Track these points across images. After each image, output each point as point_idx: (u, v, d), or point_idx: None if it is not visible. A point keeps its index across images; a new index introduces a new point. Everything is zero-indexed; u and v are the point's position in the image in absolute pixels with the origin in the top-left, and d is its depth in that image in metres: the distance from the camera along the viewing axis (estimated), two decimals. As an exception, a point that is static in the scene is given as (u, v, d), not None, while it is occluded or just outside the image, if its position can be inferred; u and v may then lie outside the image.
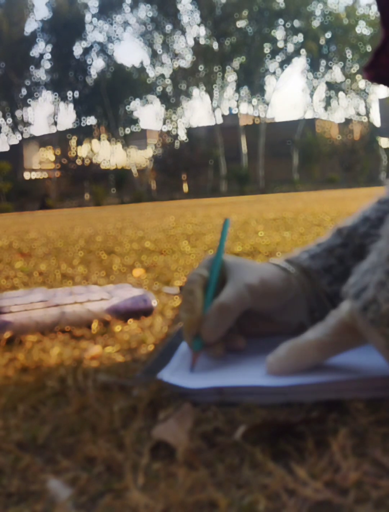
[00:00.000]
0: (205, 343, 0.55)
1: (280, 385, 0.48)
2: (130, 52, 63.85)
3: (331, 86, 30.22)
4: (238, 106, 29.82)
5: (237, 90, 29.51)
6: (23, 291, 0.98)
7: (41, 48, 31.51)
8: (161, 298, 1.03)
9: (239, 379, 0.50)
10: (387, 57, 0.57)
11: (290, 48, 29.07)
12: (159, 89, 30.50)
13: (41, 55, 30.63)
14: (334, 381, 0.47)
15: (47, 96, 37.66)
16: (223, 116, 31.95)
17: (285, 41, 28.98)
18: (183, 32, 29.28)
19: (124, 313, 0.85)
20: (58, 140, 29.94)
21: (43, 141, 31.04)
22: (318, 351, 0.48)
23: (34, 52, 30.53)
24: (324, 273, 0.62)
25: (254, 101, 29.43)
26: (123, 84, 29.51)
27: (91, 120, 31.12)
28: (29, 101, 30.61)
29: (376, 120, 32.04)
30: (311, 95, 30.15)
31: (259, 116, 29.29)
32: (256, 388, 0.48)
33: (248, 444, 0.40)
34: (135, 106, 32.31)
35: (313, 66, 29.71)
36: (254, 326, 0.61)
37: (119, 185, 26.90)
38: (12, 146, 31.31)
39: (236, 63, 29.34)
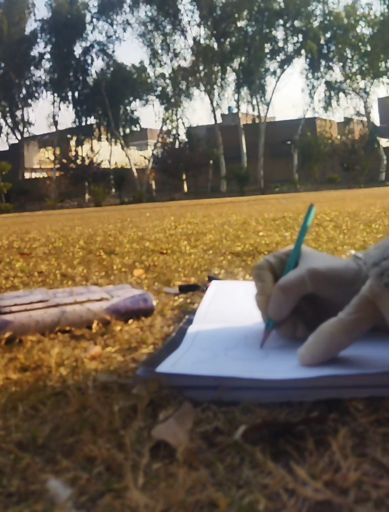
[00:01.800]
0: (275, 322, 0.60)
1: (276, 378, 0.48)
2: (130, 52, 63.93)
3: (331, 86, 30.21)
4: (238, 106, 29.81)
5: (237, 90, 29.49)
6: (23, 291, 0.98)
7: (41, 48, 31.53)
8: (161, 298, 1.03)
9: (239, 370, 0.51)
10: None
11: (290, 48, 29.07)
12: (159, 89, 30.49)
13: (41, 55, 30.61)
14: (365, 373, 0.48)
15: (47, 96, 37.62)
16: (223, 115, 31.95)
17: (285, 41, 28.96)
18: (183, 32, 29.27)
19: (124, 313, 0.85)
20: (58, 140, 29.93)
21: (43, 141, 31.04)
22: (343, 332, 0.49)
23: (34, 52, 30.53)
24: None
25: (254, 101, 29.43)
26: (123, 84, 29.49)
27: (91, 120, 31.13)
28: (29, 101, 30.61)
29: (376, 120, 32.07)
30: (311, 95, 30.14)
31: (259, 116, 29.27)
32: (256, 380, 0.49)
33: (248, 444, 0.40)
34: (135, 106, 32.31)
35: (313, 66, 29.69)
36: (328, 316, 0.61)
37: (119, 185, 26.87)
38: (12, 146, 31.30)
39: (236, 63, 29.33)
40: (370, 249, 0.65)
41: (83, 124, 30.95)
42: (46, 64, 30.72)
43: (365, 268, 0.61)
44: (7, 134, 30.99)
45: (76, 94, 30.89)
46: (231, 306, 0.81)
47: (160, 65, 30.14)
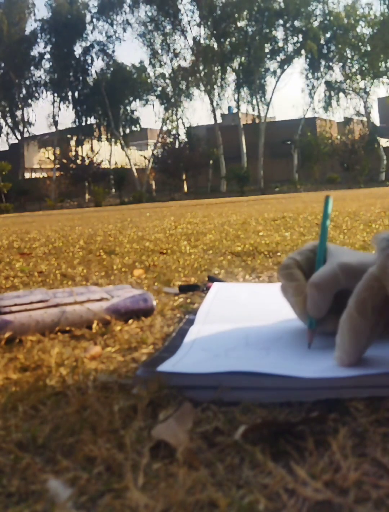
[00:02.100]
0: (317, 320, 0.58)
1: (276, 373, 0.48)
2: (130, 52, 63.94)
3: (331, 86, 30.21)
4: (238, 106, 29.82)
5: (237, 90, 29.50)
6: (23, 291, 0.98)
7: (41, 48, 31.53)
8: (161, 298, 1.03)
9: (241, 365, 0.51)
10: None
11: (290, 48, 29.07)
12: (159, 89, 30.50)
13: (41, 55, 30.62)
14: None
15: (47, 96, 37.63)
16: (223, 115, 31.95)
17: (285, 41, 28.96)
18: (183, 32, 29.27)
19: (124, 313, 0.85)
20: (58, 140, 29.93)
21: (43, 141, 31.03)
22: (358, 314, 0.49)
23: (34, 52, 30.53)
24: None
25: (254, 101, 29.43)
26: (123, 84, 29.49)
27: (91, 120, 31.13)
28: (29, 101, 30.62)
29: (376, 120, 32.07)
30: (311, 95, 30.14)
31: (259, 116, 29.27)
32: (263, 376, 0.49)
33: (248, 444, 0.40)
34: (135, 106, 32.32)
35: (313, 66, 29.69)
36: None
37: (119, 185, 26.87)
38: (12, 146, 31.31)
39: (236, 63, 29.33)
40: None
41: (83, 124, 30.95)
42: (46, 64, 30.74)
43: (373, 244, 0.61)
44: (7, 134, 31.00)
45: (76, 94, 30.90)
46: (232, 308, 0.80)
47: (160, 65, 30.15)
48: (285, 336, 0.62)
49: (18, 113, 30.48)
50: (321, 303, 0.57)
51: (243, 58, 29.12)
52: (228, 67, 29.27)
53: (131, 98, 30.85)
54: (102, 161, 27.46)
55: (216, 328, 0.68)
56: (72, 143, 30.54)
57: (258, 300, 0.84)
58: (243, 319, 0.72)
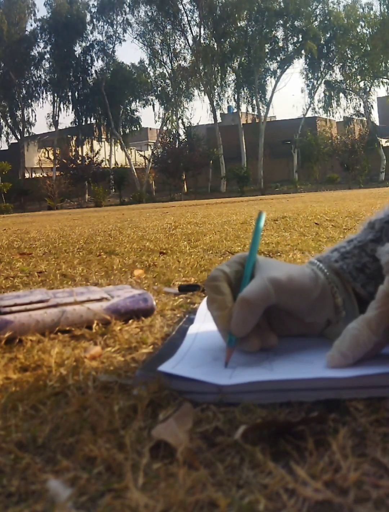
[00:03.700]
0: (237, 338, 0.55)
1: (277, 379, 0.48)
2: (130, 52, 63.97)
3: (331, 86, 30.22)
4: (238, 106, 29.83)
5: (237, 90, 29.50)
6: (23, 291, 0.98)
7: (41, 48, 31.52)
8: (161, 298, 1.03)
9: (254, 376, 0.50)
10: None
11: (290, 48, 29.07)
12: (159, 89, 30.50)
13: (41, 55, 30.63)
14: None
15: (47, 96, 37.64)
16: (223, 115, 31.95)
17: (285, 41, 28.96)
18: (184, 32, 29.28)
19: (124, 313, 0.85)
20: (58, 140, 29.94)
21: (43, 141, 31.04)
22: (368, 328, 0.49)
23: (34, 52, 30.55)
24: (357, 273, 0.61)
25: (254, 101, 29.43)
26: (123, 84, 29.50)
27: (91, 120, 31.14)
28: (29, 101, 30.63)
29: (376, 120, 32.07)
30: (311, 95, 30.15)
31: (259, 116, 29.28)
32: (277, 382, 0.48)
33: (248, 444, 0.40)
34: (135, 106, 32.34)
35: (313, 66, 29.70)
36: (282, 325, 0.61)
37: (119, 185, 26.88)
38: (12, 146, 31.32)
39: (236, 63, 29.33)
40: (330, 251, 0.64)
41: (83, 124, 30.95)
42: (46, 64, 30.75)
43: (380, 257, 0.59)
44: (7, 134, 31.01)
45: (76, 94, 30.90)
46: None
47: (160, 65, 30.16)
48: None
49: (18, 113, 30.50)
50: (249, 319, 0.54)
51: (243, 58, 29.13)
52: (228, 67, 29.28)
53: (131, 98, 30.87)
54: (102, 161, 27.47)
55: (214, 327, 0.68)
56: (72, 143, 30.54)
57: None
58: None
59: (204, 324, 0.71)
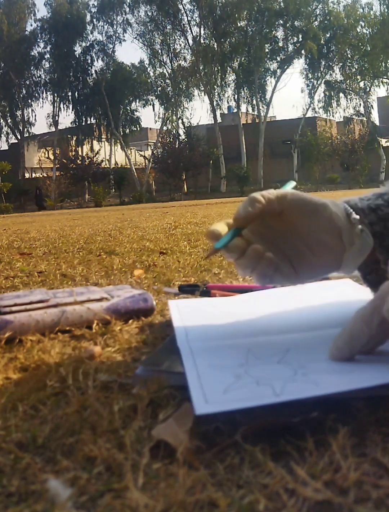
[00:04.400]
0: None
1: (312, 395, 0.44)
2: (130, 52, 63.97)
3: (331, 86, 30.22)
4: (238, 106, 29.83)
5: (237, 90, 29.51)
6: (23, 291, 0.98)
7: (41, 48, 31.52)
8: (161, 298, 1.03)
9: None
10: None
11: (290, 48, 29.07)
12: (159, 89, 30.50)
13: (41, 55, 30.63)
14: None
15: (47, 96, 37.65)
16: (223, 115, 31.95)
17: (285, 41, 28.96)
18: (184, 32, 29.28)
19: (124, 313, 0.85)
20: (58, 140, 29.94)
21: (43, 141, 31.04)
22: (362, 321, 0.50)
23: (34, 52, 30.55)
24: (370, 211, 0.62)
25: (254, 101, 29.44)
26: (123, 84, 29.49)
27: (91, 120, 31.14)
28: (29, 101, 30.63)
29: (376, 120, 32.07)
30: (311, 95, 30.15)
31: (259, 115, 29.28)
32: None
33: (248, 444, 0.40)
34: (135, 106, 32.35)
35: (313, 66, 29.70)
36: (298, 247, 0.62)
37: (119, 185, 26.88)
38: (12, 146, 31.32)
39: (236, 63, 29.33)
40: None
41: (83, 124, 30.95)
42: (46, 64, 30.75)
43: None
44: (7, 134, 31.01)
45: (76, 94, 30.90)
46: (207, 322, 0.73)
47: (160, 65, 30.16)
48: (292, 348, 0.58)
49: (18, 113, 30.50)
50: (249, 211, 0.59)
51: (243, 58, 29.12)
52: (228, 67, 29.27)
53: (131, 98, 30.86)
54: (102, 161, 27.47)
55: (205, 343, 0.62)
56: (72, 143, 30.54)
57: (227, 313, 0.77)
58: (227, 332, 0.67)
59: (188, 332, 0.66)
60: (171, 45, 29.61)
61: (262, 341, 0.60)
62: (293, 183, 0.69)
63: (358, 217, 0.60)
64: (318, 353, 0.54)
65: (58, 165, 27.46)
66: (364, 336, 0.50)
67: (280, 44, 29.12)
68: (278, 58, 29.31)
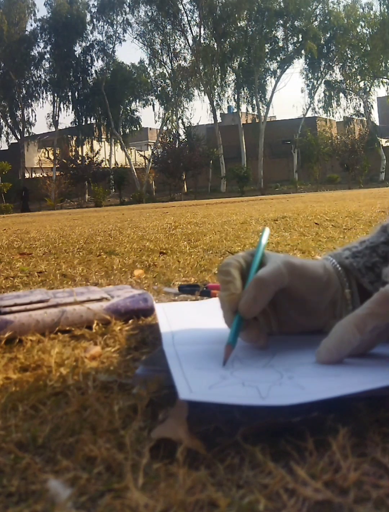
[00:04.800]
0: (243, 321, 0.56)
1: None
2: (130, 52, 63.99)
3: (331, 86, 30.23)
4: (238, 106, 29.84)
5: (237, 90, 29.52)
6: (23, 291, 0.98)
7: (41, 48, 31.53)
8: (161, 298, 1.02)
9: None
10: None
11: (290, 48, 29.08)
12: (159, 89, 30.51)
13: (41, 55, 30.65)
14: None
15: (47, 96, 37.65)
16: (223, 115, 31.97)
17: (285, 41, 28.97)
18: (184, 32, 29.29)
19: (124, 313, 0.85)
20: (58, 140, 29.95)
21: (43, 141, 31.06)
22: (355, 326, 0.49)
23: (34, 52, 30.57)
24: (366, 271, 0.62)
25: (254, 101, 29.45)
26: (123, 84, 29.52)
27: (91, 120, 31.16)
28: (29, 101, 30.65)
29: (376, 120, 32.08)
30: (311, 95, 30.16)
31: (259, 115, 29.29)
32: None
33: (248, 444, 0.40)
34: (135, 106, 32.37)
35: (313, 66, 29.71)
36: (290, 319, 0.61)
37: (119, 185, 26.89)
38: (12, 146, 31.33)
39: (236, 63, 29.34)
40: (342, 250, 0.65)
41: (83, 124, 30.97)
42: (46, 64, 30.77)
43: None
44: (7, 134, 31.03)
45: (76, 94, 30.92)
46: (194, 326, 0.72)
47: (160, 65, 30.18)
48: (278, 352, 0.57)
49: (18, 113, 30.52)
50: (260, 298, 0.55)
51: (243, 58, 29.14)
52: (228, 67, 29.29)
53: (131, 98, 30.89)
54: (102, 161, 27.47)
55: (192, 346, 0.61)
56: (72, 143, 30.56)
57: (215, 316, 0.78)
58: (212, 335, 0.66)
59: (175, 336, 0.65)
60: (171, 45, 29.65)
61: (249, 346, 0.59)
62: (267, 231, 0.68)
63: (348, 295, 0.61)
64: (304, 356, 0.54)
65: (58, 165, 27.47)
66: (355, 340, 0.49)
67: (280, 44, 29.15)
68: (278, 58, 29.34)
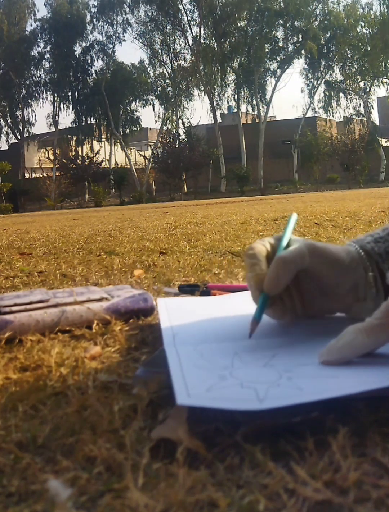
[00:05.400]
0: (269, 298, 0.59)
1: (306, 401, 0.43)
2: (130, 52, 63.99)
3: (331, 86, 30.23)
4: (238, 106, 29.84)
5: (237, 90, 29.52)
6: (23, 291, 0.98)
7: (41, 48, 31.53)
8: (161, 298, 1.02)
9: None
10: None
11: (290, 48, 29.09)
12: (159, 89, 30.52)
13: (41, 55, 30.66)
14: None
15: (47, 96, 37.65)
16: (223, 115, 31.97)
17: (285, 41, 28.98)
18: (184, 32, 29.29)
19: (124, 313, 0.85)
20: (58, 140, 29.95)
21: (43, 141, 31.06)
22: (366, 335, 0.49)
23: (34, 52, 30.58)
24: (387, 256, 0.63)
25: (254, 101, 29.45)
26: (123, 84, 29.52)
27: (91, 120, 31.16)
28: (29, 101, 30.65)
29: (376, 120, 32.08)
30: (311, 95, 30.16)
31: (259, 115, 29.29)
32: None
33: (248, 444, 0.40)
34: (135, 106, 32.39)
35: (313, 66, 29.71)
36: (313, 300, 0.64)
37: (119, 185, 26.89)
38: (12, 146, 31.33)
39: (236, 63, 29.35)
40: (365, 236, 0.66)
41: (83, 124, 30.97)
42: (46, 64, 30.78)
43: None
44: (7, 134, 31.04)
45: (76, 94, 30.92)
46: (195, 323, 0.72)
47: (160, 65, 30.19)
48: (279, 352, 0.57)
49: (18, 113, 30.53)
50: (281, 277, 0.58)
51: (243, 58, 29.14)
52: (228, 67, 29.29)
53: (131, 98, 30.89)
54: (102, 161, 27.47)
55: (194, 344, 0.61)
56: (72, 143, 30.56)
57: (216, 313, 0.77)
58: (213, 332, 0.66)
59: (176, 333, 0.65)
60: (171, 45, 29.66)
61: (249, 344, 0.59)
62: (295, 215, 0.72)
63: (371, 278, 0.62)
64: (305, 357, 0.54)
65: (58, 165, 27.47)
66: (365, 348, 0.50)
67: (280, 44, 29.16)
68: (278, 58, 29.34)
